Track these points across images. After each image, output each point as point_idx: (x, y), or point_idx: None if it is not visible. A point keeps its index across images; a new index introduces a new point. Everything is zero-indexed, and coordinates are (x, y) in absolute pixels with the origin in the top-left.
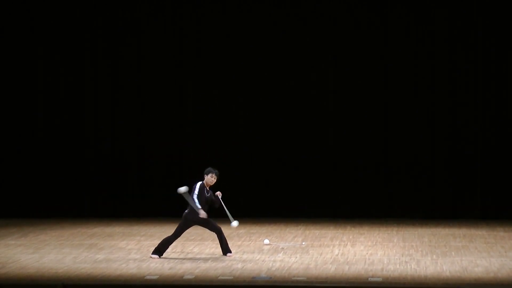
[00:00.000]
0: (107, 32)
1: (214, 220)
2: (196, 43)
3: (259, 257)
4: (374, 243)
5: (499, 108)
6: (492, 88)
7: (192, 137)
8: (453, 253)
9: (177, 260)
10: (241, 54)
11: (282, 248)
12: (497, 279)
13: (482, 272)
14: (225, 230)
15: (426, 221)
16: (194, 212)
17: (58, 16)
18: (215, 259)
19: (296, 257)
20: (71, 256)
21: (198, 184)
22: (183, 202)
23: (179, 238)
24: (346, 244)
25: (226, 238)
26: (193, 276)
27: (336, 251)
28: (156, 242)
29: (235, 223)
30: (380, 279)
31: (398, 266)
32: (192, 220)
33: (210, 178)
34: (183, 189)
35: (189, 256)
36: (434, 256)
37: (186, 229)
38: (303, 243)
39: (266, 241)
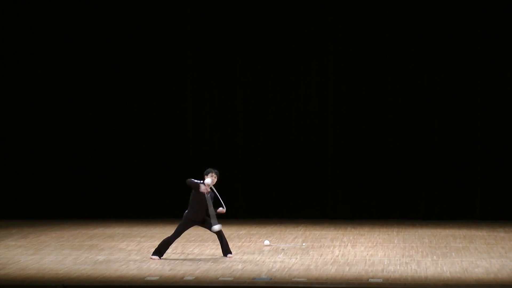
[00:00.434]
0: (107, 33)
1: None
2: (196, 44)
3: (259, 258)
4: (374, 244)
5: (499, 109)
6: (492, 88)
7: (192, 138)
8: (453, 254)
9: (177, 261)
10: (241, 54)
11: (283, 249)
12: (497, 280)
13: (482, 273)
14: (225, 231)
15: (427, 222)
16: (195, 212)
17: (58, 16)
18: (216, 260)
19: (297, 258)
20: (71, 257)
21: (200, 182)
22: (183, 202)
23: (179, 238)
24: (347, 245)
25: (227, 239)
26: (194, 277)
27: (337, 252)
28: (157, 243)
29: (216, 227)
30: (380, 280)
31: (398, 267)
32: (193, 220)
33: (210, 178)
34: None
35: (190, 257)
36: (435, 257)
37: (186, 230)
38: (304, 244)
39: (267, 242)
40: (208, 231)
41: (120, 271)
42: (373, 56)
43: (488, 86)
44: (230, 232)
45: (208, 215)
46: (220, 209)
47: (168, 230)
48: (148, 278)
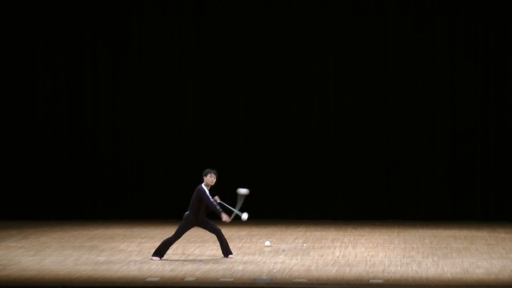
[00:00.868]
0: (107, 33)
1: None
2: (196, 44)
3: (260, 259)
4: (375, 244)
5: (500, 110)
6: (492, 89)
7: (192, 139)
8: (454, 254)
9: (178, 262)
10: (242, 55)
11: (283, 250)
12: (498, 280)
13: (483, 274)
14: (225, 231)
15: (427, 222)
16: (195, 214)
17: (58, 17)
18: (216, 261)
19: (297, 259)
20: (72, 258)
21: (204, 188)
22: (184, 203)
23: (179, 239)
24: (347, 246)
25: (227, 240)
26: (194, 278)
27: (337, 253)
28: (157, 244)
29: (245, 215)
30: (381, 281)
31: (399, 268)
32: (193, 221)
33: (210, 178)
34: (244, 191)
35: (190, 258)
36: (435, 258)
37: (186, 231)
38: (304, 245)
39: (267, 243)
40: (209, 232)
41: (121, 272)
42: (373, 56)
43: (488, 87)
44: (230, 233)
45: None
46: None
47: (168, 231)
48: (149, 279)
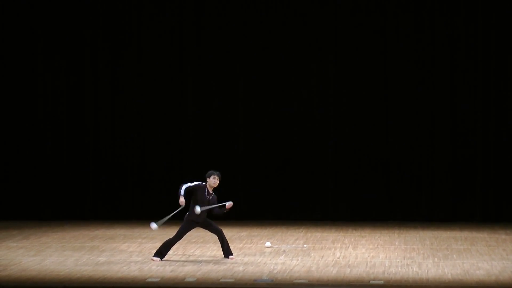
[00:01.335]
0: (107, 33)
1: (215, 223)
2: (196, 44)
3: (260, 260)
4: (375, 245)
5: (500, 110)
6: (492, 89)
7: (193, 139)
8: (454, 256)
9: (178, 262)
10: (242, 55)
11: (284, 251)
12: (498, 282)
13: (483, 275)
14: (226, 232)
15: (428, 223)
16: (196, 215)
17: (58, 17)
18: (217, 261)
19: (298, 260)
20: (72, 258)
21: (197, 182)
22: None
23: (180, 240)
24: (348, 247)
25: (228, 241)
26: (195, 279)
27: (338, 254)
28: (158, 244)
29: (198, 209)
30: (381, 282)
31: (399, 269)
32: (194, 222)
33: (213, 180)
34: (154, 226)
35: (191, 258)
36: (436, 259)
37: (187, 231)
38: (305, 245)
39: (268, 243)
40: (209, 233)
41: (121, 273)
42: (373, 56)
43: (488, 87)
44: (231, 234)
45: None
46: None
47: (169, 232)
48: (149, 280)
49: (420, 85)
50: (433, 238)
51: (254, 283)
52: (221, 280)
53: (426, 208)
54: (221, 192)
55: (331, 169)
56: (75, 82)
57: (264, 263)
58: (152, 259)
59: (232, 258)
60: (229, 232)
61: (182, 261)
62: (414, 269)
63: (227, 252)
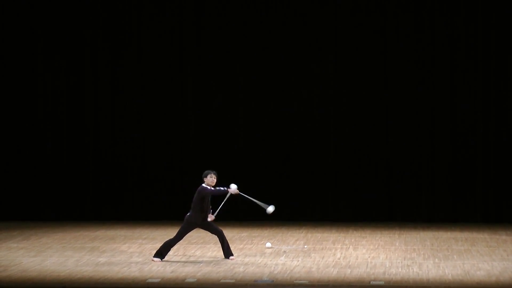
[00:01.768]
0: (107, 33)
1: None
2: (197, 44)
3: (261, 261)
4: (376, 246)
5: (500, 110)
6: (492, 91)
7: (193, 140)
8: (455, 256)
9: (179, 263)
10: (242, 55)
11: (284, 252)
12: (499, 283)
13: (484, 276)
14: (226, 233)
15: (428, 224)
16: (196, 214)
17: (58, 17)
18: (217, 262)
19: (298, 261)
20: (73, 259)
21: (205, 186)
22: (185, 204)
23: (181, 241)
24: (348, 248)
25: (228, 242)
26: (195, 280)
27: (338, 255)
28: (158, 245)
29: (271, 208)
30: (382, 283)
31: (400, 270)
32: (194, 222)
33: (210, 179)
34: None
35: (191, 259)
36: (436, 260)
37: (188, 232)
38: (305, 246)
39: (268, 244)
40: (210, 234)
41: (122, 273)
42: (373, 56)
43: (488, 88)
44: (232, 234)
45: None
46: (210, 216)
47: (169, 232)
48: (150, 280)
49: (420, 85)
50: (434, 238)
51: (255, 283)
52: (222, 281)
53: (427, 209)
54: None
55: (331, 169)
56: (75, 82)
57: (264, 264)
58: (153, 260)
59: (233, 259)
60: (229, 233)
61: (183, 261)
62: (415, 270)
63: (227, 253)
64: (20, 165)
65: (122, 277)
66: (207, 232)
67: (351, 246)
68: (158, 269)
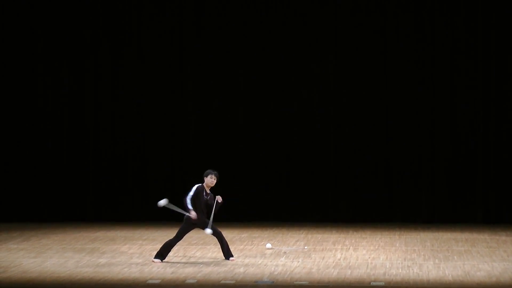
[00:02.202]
0: (107, 33)
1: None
2: (197, 45)
3: (261, 261)
4: (376, 247)
5: (500, 110)
6: (492, 91)
7: (194, 141)
8: (455, 257)
9: (179, 264)
10: (242, 56)
11: (284, 252)
12: (499, 283)
13: (484, 277)
14: (226, 234)
15: (428, 225)
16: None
17: (58, 17)
18: (217, 263)
19: (299, 261)
20: (73, 260)
21: (196, 186)
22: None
23: (180, 241)
24: (348, 248)
25: (228, 243)
26: (195, 281)
27: (338, 255)
28: (158, 246)
29: (208, 231)
30: (382, 284)
31: (400, 271)
32: (194, 223)
33: (210, 179)
34: (163, 202)
35: (191, 260)
36: (437, 261)
37: (187, 232)
38: (305, 247)
39: (268, 245)
40: (210, 235)
41: (122, 274)
42: (373, 56)
43: (488, 88)
44: (232, 235)
45: (209, 218)
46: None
47: (169, 234)
48: (150, 281)
49: (420, 85)
50: (434, 239)
51: (255, 284)
52: (222, 282)
53: (427, 210)
54: (221, 193)
55: (331, 170)
56: (75, 82)
57: (264, 265)
58: (153, 261)
59: (233, 260)
60: (229, 234)
61: (183, 262)
62: (415, 271)
63: (227, 254)
64: (20, 166)
65: (123, 278)
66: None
67: (351, 247)
68: (158, 270)
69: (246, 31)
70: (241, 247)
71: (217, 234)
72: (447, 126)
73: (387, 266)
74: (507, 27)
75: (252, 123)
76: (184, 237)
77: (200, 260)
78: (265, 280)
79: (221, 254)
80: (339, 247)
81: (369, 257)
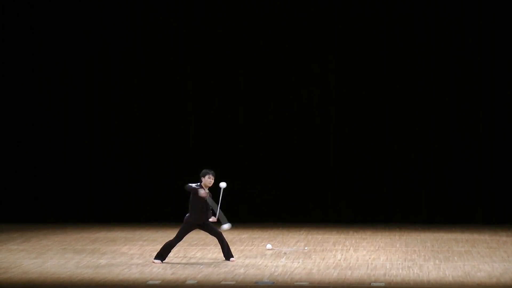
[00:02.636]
0: (107, 33)
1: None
2: (197, 45)
3: (261, 262)
4: (376, 248)
5: (501, 110)
6: (492, 91)
7: (194, 141)
8: (455, 258)
9: (179, 265)
10: (242, 56)
11: (285, 253)
12: (499, 284)
13: (484, 277)
14: (226, 234)
15: (429, 226)
16: (196, 215)
17: (58, 17)
18: (218, 264)
19: (299, 262)
20: (73, 261)
21: (196, 184)
22: (185, 206)
23: (181, 242)
24: (349, 249)
25: (228, 243)
26: (196, 281)
27: (339, 256)
28: (159, 247)
29: (226, 226)
30: (382, 284)
31: (400, 271)
32: (194, 223)
33: (208, 179)
34: (226, 226)
35: (192, 261)
36: (437, 261)
37: (187, 233)
38: (306, 248)
39: (269, 246)
40: (209, 235)
41: (122, 275)
42: (373, 56)
43: (488, 88)
44: (232, 236)
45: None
46: (212, 218)
47: (170, 234)
48: (150, 282)
49: (420, 85)
50: (434, 240)
51: (255, 285)
52: (222, 283)
53: (427, 210)
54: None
55: (331, 170)
56: (75, 82)
57: (265, 266)
58: (153, 262)
59: (233, 261)
60: (229, 235)
61: (183, 263)
62: (415, 271)
63: (227, 255)
64: (20, 166)
65: (123, 279)
66: (207, 233)
67: (351, 248)
68: (158, 271)
69: (246, 31)
70: (241, 247)
71: (217, 235)
72: (447, 126)
73: (388, 267)
74: (507, 27)
75: (252, 123)
76: (184, 237)
77: (201, 261)
78: (266, 280)
79: (222, 254)
80: (340, 247)
81: (370, 258)
